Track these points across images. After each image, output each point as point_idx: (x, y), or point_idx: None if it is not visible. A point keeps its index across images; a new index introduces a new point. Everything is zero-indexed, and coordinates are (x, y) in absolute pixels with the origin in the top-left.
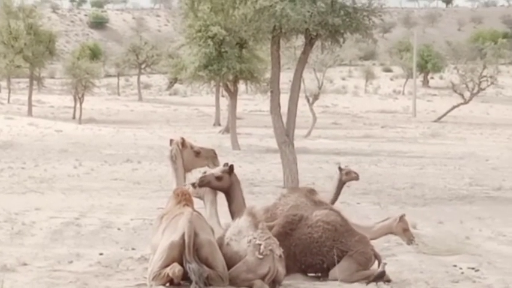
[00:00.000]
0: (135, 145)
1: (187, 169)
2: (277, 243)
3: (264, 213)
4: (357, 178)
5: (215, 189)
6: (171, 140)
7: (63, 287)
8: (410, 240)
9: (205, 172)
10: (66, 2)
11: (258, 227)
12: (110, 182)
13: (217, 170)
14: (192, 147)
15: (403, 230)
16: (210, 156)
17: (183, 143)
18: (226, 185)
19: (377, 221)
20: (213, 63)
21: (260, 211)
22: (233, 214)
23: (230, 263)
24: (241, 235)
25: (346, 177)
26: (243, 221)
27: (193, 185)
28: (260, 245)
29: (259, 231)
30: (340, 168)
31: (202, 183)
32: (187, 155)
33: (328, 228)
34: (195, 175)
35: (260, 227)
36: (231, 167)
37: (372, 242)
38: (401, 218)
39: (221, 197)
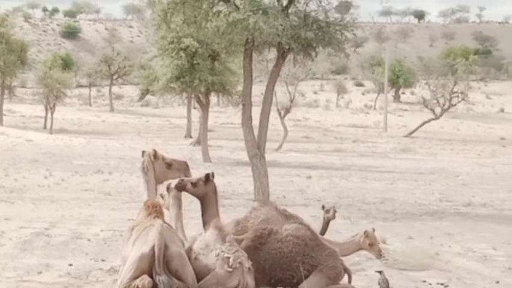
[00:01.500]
0: (106, 156)
1: (159, 181)
2: (246, 255)
3: (234, 226)
4: (333, 217)
5: (192, 194)
6: (143, 152)
7: None
8: (378, 254)
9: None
10: (38, 12)
11: (225, 240)
12: (80, 193)
13: (195, 177)
14: (164, 158)
15: (370, 245)
16: (182, 168)
17: (155, 154)
18: (200, 193)
19: (347, 237)
20: (185, 75)
21: (229, 224)
22: (205, 223)
23: (199, 276)
24: (208, 249)
25: (328, 215)
26: (209, 234)
27: (161, 195)
28: (229, 258)
29: (227, 244)
30: (323, 207)
31: (179, 185)
32: (159, 166)
33: (298, 242)
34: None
35: (228, 240)
36: (207, 176)
37: (342, 257)
38: (366, 233)
39: (193, 209)
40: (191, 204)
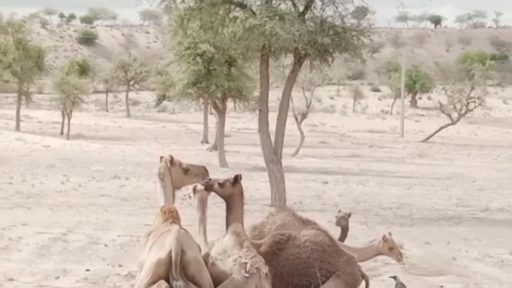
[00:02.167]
0: (123, 161)
1: (176, 186)
2: (263, 261)
3: (251, 232)
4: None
5: (218, 194)
6: (161, 157)
7: None
8: (398, 258)
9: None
10: (55, 18)
11: (243, 246)
12: (97, 198)
13: (223, 178)
14: (180, 164)
15: (390, 249)
16: (200, 173)
17: (172, 160)
18: (226, 194)
19: (365, 242)
20: (202, 81)
21: (246, 229)
22: (228, 225)
23: (216, 282)
24: (226, 254)
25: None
26: (227, 240)
27: (188, 195)
28: (246, 263)
29: (245, 249)
30: (339, 212)
31: (207, 184)
32: (175, 172)
33: (316, 248)
34: (184, 192)
35: (245, 246)
36: (236, 177)
37: (359, 263)
38: (385, 238)
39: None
40: (211, 208)
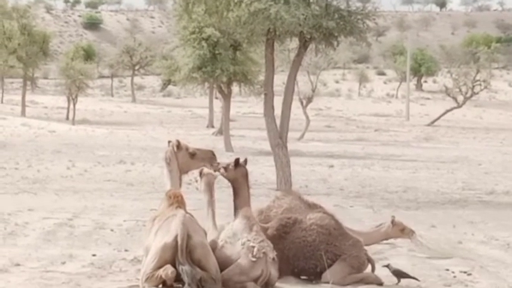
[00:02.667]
0: (129, 146)
1: (182, 171)
2: (271, 246)
3: (257, 216)
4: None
5: (224, 177)
6: (169, 142)
7: (56, 287)
8: (411, 235)
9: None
10: (60, 3)
11: (252, 230)
12: (103, 183)
13: (227, 162)
14: (187, 148)
15: (401, 231)
16: (208, 158)
17: (178, 145)
18: (231, 177)
19: (371, 226)
20: (207, 65)
21: (255, 213)
22: (235, 208)
23: (224, 265)
24: (235, 237)
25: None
26: (237, 223)
27: (195, 179)
28: (254, 247)
29: (254, 233)
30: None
31: (215, 168)
32: (182, 156)
33: (322, 231)
34: (190, 177)
35: (255, 230)
36: (236, 160)
37: (365, 246)
38: (394, 222)
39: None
40: (217, 192)
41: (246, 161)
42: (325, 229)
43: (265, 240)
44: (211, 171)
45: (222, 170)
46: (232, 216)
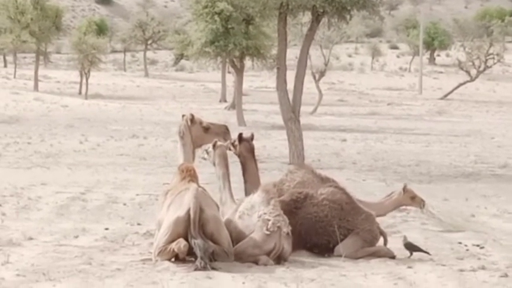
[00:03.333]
0: (141, 121)
1: (196, 145)
2: (286, 220)
3: None
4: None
5: (235, 154)
6: (183, 116)
7: (68, 261)
8: (421, 204)
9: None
10: None
11: (270, 203)
12: (115, 158)
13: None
14: (201, 122)
15: (412, 198)
16: (221, 132)
17: (192, 119)
18: (237, 153)
19: (382, 197)
20: (220, 40)
21: (274, 188)
22: (245, 183)
23: (240, 236)
24: (253, 210)
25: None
26: (256, 196)
27: (206, 151)
28: (269, 220)
29: (271, 207)
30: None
31: (226, 145)
32: (196, 130)
33: (334, 207)
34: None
35: (272, 204)
36: (239, 136)
37: (378, 219)
38: (405, 189)
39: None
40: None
41: (252, 135)
42: (337, 204)
43: (281, 214)
44: (225, 143)
45: (231, 147)
46: (243, 189)
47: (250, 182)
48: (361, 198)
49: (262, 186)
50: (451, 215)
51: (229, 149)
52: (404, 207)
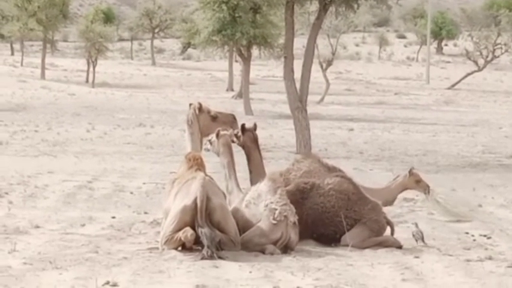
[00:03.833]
0: (148, 109)
1: (203, 134)
2: (293, 209)
3: None
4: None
5: (239, 145)
6: (190, 104)
7: (75, 249)
8: (426, 189)
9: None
10: None
11: (276, 193)
12: (122, 146)
13: (236, 130)
14: (209, 111)
15: (416, 182)
16: (229, 121)
17: (200, 107)
18: (241, 144)
19: (388, 181)
20: (227, 28)
21: (281, 177)
22: (250, 173)
23: (247, 225)
24: (260, 199)
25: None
26: (263, 185)
27: (209, 141)
28: (275, 210)
29: (277, 196)
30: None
31: (230, 138)
32: (203, 119)
33: (341, 197)
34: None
35: (279, 193)
36: (242, 126)
37: (385, 209)
38: (411, 172)
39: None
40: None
41: (255, 125)
42: (343, 194)
43: (288, 203)
44: (228, 132)
45: (235, 139)
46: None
47: (255, 172)
48: (370, 186)
49: (268, 175)
50: (457, 204)
51: (233, 141)
52: (412, 196)
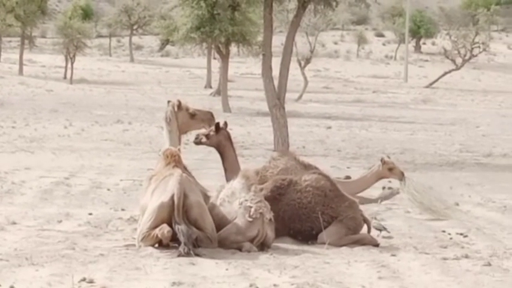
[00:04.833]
0: (126, 106)
1: (182, 131)
2: (268, 206)
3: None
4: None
5: (208, 146)
6: (169, 102)
7: (52, 246)
8: (400, 175)
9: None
10: None
11: (250, 190)
12: (100, 143)
13: (207, 130)
14: (187, 109)
15: (390, 170)
16: (207, 119)
17: (179, 105)
18: (214, 143)
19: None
20: (205, 25)
21: (256, 175)
22: (225, 171)
23: (221, 223)
24: (234, 196)
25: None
26: (236, 183)
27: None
28: (251, 207)
29: (251, 193)
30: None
31: (197, 140)
32: (182, 117)
33: (318, 193)
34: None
35: (253, 190)
36: (216, 125)
37: (362, 207)
38: (383, 160)
39: (211, 159)
40: (210, 154)
41: (226, 124)
42: (320, 191)
43: (263, 200)
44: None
45: (204, 139)
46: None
47: (231, 171)
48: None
49: (241, 172)
50: (432, 201)
51: (201, 142)
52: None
